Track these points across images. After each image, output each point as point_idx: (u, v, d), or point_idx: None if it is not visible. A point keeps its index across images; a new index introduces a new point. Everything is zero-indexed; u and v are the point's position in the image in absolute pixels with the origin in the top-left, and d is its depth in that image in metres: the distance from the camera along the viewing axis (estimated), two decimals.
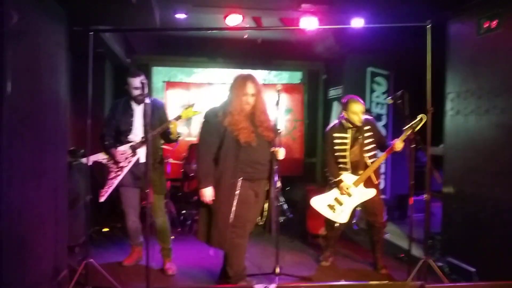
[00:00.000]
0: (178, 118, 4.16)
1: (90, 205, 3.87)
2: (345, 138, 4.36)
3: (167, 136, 4.25)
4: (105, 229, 5.68)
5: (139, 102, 4.17)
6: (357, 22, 5.04)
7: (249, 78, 3.61)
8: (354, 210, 4.44)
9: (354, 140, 4.35)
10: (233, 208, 3.53)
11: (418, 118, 4.02)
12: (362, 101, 4.34)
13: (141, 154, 4.16)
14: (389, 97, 4.36)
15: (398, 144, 4.14)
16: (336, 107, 7.06)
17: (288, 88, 7.66)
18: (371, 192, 4.29)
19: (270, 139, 3.69)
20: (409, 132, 4.03)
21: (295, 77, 8.03)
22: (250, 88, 3.57)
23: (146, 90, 3.91)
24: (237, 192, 3.55)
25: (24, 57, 2.99)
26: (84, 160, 3.97)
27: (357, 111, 4.27)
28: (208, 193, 3.59)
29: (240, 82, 3.60)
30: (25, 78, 3.02)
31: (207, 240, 3.69)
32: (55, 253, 3.63)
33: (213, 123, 3.61)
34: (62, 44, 3.74)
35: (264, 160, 3.68)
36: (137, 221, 4.39)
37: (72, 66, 5.43)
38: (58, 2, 3.57)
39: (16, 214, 2.89)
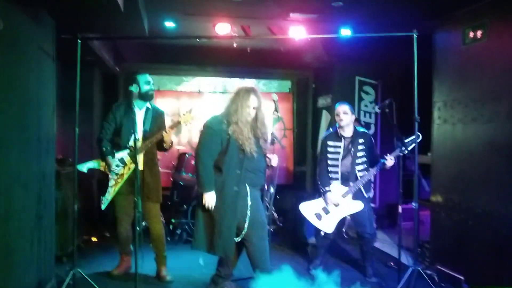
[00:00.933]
0: (177, 124, 4.17)
1: (78, 214, 3.84)
2: (338, 147, 4.38)
3: (161, 144, 4.25)
4: (94, 239, 5.63)
5: (148, 98, 4.19)
6: (345, 32, 5.09)
7: (252, 91, 3.70)
8: (343, 219, 4.44)
9: (347, 150, 4.36)
10: (248, 214, 3.60)
11: (413, 137, 4.05)
12: (345, 104, 4.37)
13: (140, 161, 4.14)
14: (377, 106, 4.39)
15: (389, 162, 4.16)
16: (325, 116, 7.09)
17: (278, 97, 7.67)
18: (359, 205, 4.29)
19: (266, 150, 3.80)
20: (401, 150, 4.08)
21: (284, 86, 8.06)
22: (253, 101, 3.66)
23: (153, 87, 4.14)
24: (249, 201, 3.62)
25: (11, 64, 2.98)
26: (78, 167, 3.94)
27: (339, 111, 4.32)
28: (211, 198, 3.62)
29: (243, 95, 3.67)
30: (12, 85, 3.00)
31: (209, 249, 3.69)
32: (42, 263, 3.59)
33: (217, 130, 3.65)
34: (50, 52, 3.73)
35: (263, 168, 3.77)
36: (129, 229, 4.36)
37: (61, 74, 5.41)
38: (46, 9, 3.55)
39: (2, 223, 2.85)
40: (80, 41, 3.76)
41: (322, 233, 4.42)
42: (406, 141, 4.07)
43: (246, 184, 3.64)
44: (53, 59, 3.79)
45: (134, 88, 4.17)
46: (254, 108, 3.67)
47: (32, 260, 3.40)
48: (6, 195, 2.90)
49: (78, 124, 3.80)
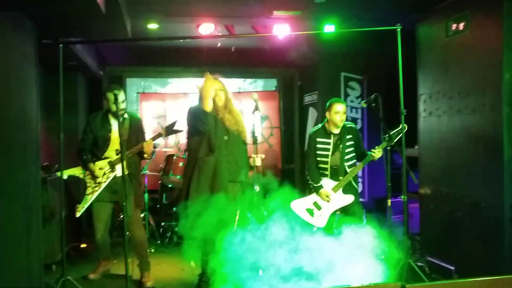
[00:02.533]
0: (159, 136, 4.13)
1: (66, 221, 3.79)
2: (328, 143, 4.38)
3: (140, 154, 4.23)
4: (83, 245, 5.56)
5: (117, 116, 4.09)
6: (329, 28, 5.09)
7: (209, 77, 3.90)
8: (334, 214, 4.45)
9: (336, 146, 4.37)
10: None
11: (399, 128, 4.07)
12: (343, 102, 4.39)
13: (119, 169, 4.09)
14: (363, 101, 4.41)
15: (377, 154, 4.18)
16: (311, 113, 7.10)
17: (264, 96, 7.68)
18: (349, 198, 4.30)
19: (243, 135, 3.89)
20: (387, 141, 4.10)
21: (270, 84, 8.06)
22: (213, 83, 3.87)
23: (124, 105, 3.92)
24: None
25: None
26: (58, 174, 3.88)
27: (339, 110, 4.30)
28: None
29: (204, 82, 3.87)
30: None
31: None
32: (30, 272, 3.53)
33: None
34: (31, 57, 3.67)
35: (240, 160, 3.83)
36: (106, 236, 4.35)
37: (44, 80, 5.34)
38: (26, 14, 3.50)
39: None
40: (61, 46, 3.71)
41: (315, 228, 4.43)
42: (391, 132, 4.09)
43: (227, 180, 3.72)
44: (35, 64, 3.73)
45: (105, 103, 4.16)
46: (220, 89, 3.86)
47: (21, 269, 3.35)
48: None
49: (63, 129, 3.74)
